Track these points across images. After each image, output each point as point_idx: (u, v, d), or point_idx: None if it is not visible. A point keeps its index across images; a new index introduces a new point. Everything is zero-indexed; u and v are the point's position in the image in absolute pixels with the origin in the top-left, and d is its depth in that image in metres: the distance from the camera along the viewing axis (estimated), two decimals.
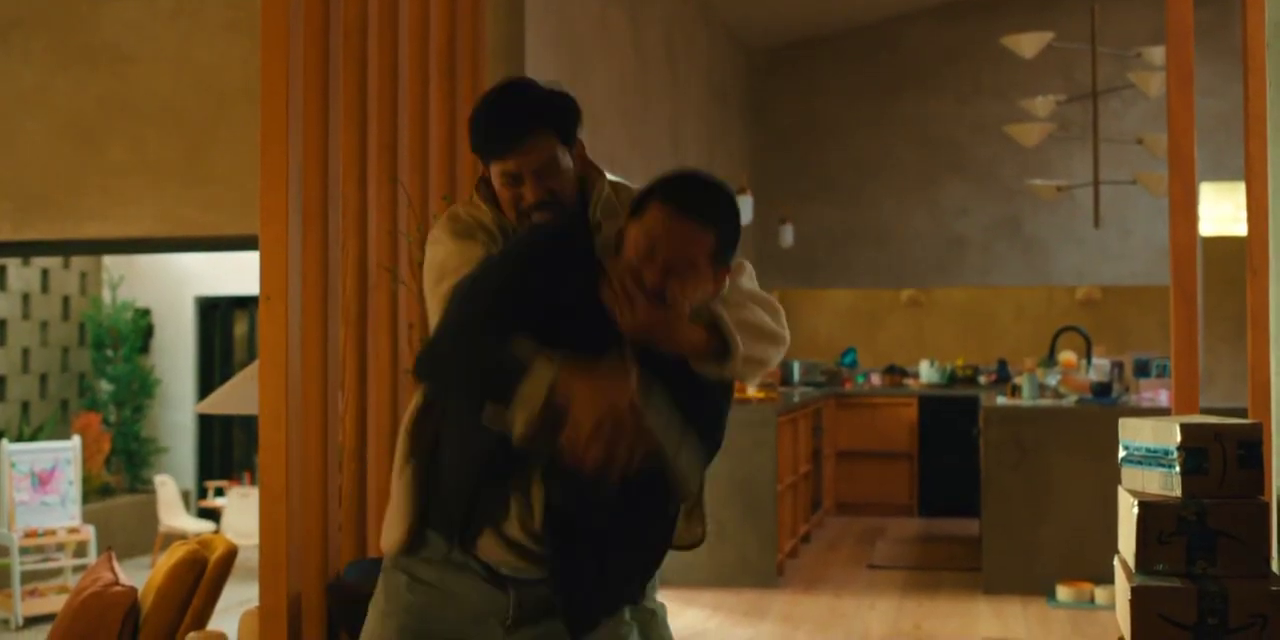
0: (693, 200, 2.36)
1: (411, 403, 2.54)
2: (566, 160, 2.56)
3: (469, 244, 2.54)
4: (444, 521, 2.47)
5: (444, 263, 2.55)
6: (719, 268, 2.39)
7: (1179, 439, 2.98)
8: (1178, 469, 2.98)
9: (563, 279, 2.41)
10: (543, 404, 2.24)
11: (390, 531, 2.52)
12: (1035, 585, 6.78)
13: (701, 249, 2.34)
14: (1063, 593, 6.61)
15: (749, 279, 2.59)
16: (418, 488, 2.50)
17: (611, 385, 2.24)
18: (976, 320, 11.86)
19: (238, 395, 4.43)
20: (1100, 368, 7.65)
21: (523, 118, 2.54)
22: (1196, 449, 2.98)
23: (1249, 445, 3.03)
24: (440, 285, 2.53)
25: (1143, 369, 7.92)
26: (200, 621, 4.09)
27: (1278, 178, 3.36)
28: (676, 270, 2.31)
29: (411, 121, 4.35)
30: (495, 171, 2.56)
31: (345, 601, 3.61)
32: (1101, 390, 7.17)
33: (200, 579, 4.11)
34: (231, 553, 4.29)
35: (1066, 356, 8.46)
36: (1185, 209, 4.60)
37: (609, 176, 2.68)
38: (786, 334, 2.55)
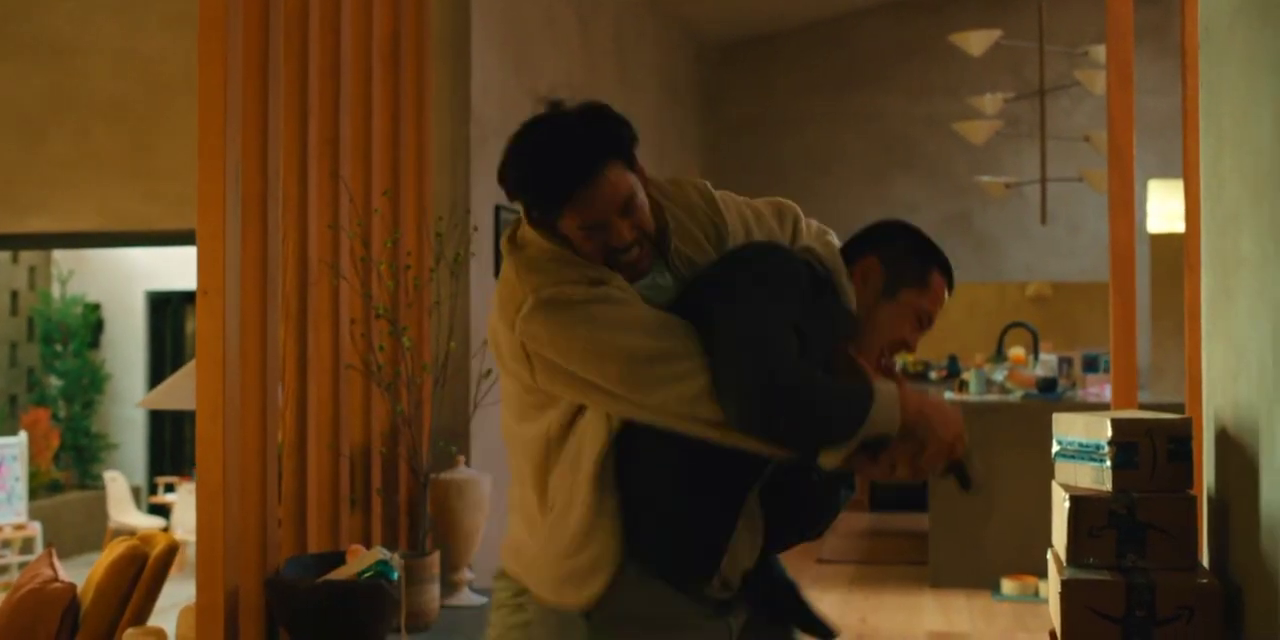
0: (946, 262, 2.57)
1: (596, 443, 2.30)
2: (639, 188, 2.35)
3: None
4: (669, 563, 2.34)
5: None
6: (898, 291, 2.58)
7: (1109, 434, 3.03)
8: (1108, 463, 3.02)
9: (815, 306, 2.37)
10: (899, 426, 2.25)
11: (582, 583, 2.32)
12: (981, 579, 6.84)
13: (872, 278, 2.51)
14: (1007, 586, 6.67)
15: None
16: (621, 529, 2.32)
17: (944, 401, 2.36)
18: None
19: (180, 390, 4.41)
20: (1047, 363, 7.72)
21: (587, 153, 2.29)
22: (1127, 444, 3.02)
23: (1179, 440, 3.09)
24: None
25: (1091, 364, 8.00)
26: (140, 617, 4.07)
27: (1209, 175, 3.39)
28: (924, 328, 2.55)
29: (354, 116, 4.34)
30: (568, 225, 2.31)
31: (284, 597, 3.61)
32: (1047, 386, 7.23)
33: (140, 575, 4.10)
34: (172, 549, 4.28)
35: (1015, 352, 8.52)
36: (1124, 206, 4.65)
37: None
38: None
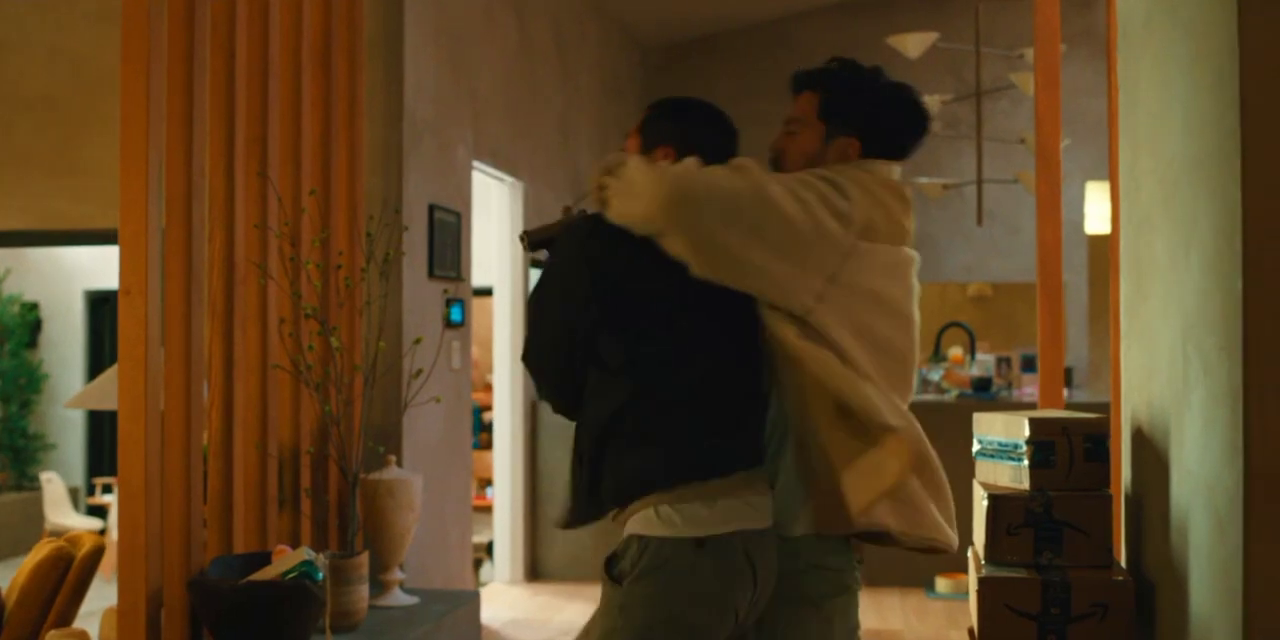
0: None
1: None
2: None
3: None
4: None
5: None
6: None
7: (1027, 433, 3.06)
8: (1026, 462, 3.06)
9: None
10: None
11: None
12: (916, 577, 6.88)
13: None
14: (941, 584, 6.71)
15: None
16: None
17: None
18: None
19: (107, 391, 4.39)
20: (983, 363, 7.78)
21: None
22: (1044, 442, 3.07)
23: (1095, 439, 3.13)
24: None
25: (1029, 364, 8.07)
26: (65, 620, 4.03)
27: (1127, 177, 3.43)
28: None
29: (283, 115, 4.32)
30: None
31: (207, 598, 3.59)
32: (981, 385, 7.29)
33: (65, 577, 4.06)
34: (98, 550, 4.24)
35: (955, 352, 8.58)
36: (1051, 208, 4.70)
37: None
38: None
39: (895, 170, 2.90)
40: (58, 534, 8.80)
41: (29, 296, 11.26)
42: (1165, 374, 2.97)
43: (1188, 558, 2.76)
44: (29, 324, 11.19)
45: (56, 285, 11.38)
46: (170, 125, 3.64)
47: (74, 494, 10.94)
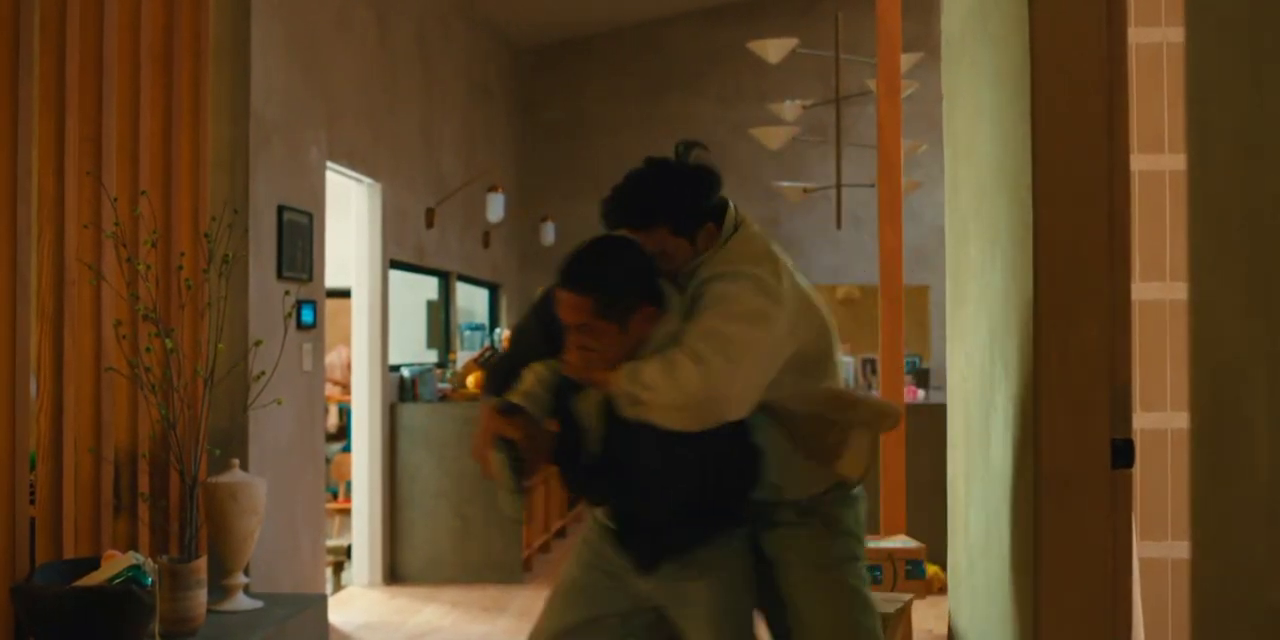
0: (568, 273, 2.71)
1: None
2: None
3: None
4: None
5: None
6: (617, 319, 2.68)
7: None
8: None
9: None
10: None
11: None
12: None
13: (583, 311, 2.68)
14: None
15: (719, 317, 2.69)
16: None
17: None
18: None
19: None
20: (842, 365, 7.88)
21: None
22: (873, 566, 3.60)
23: (914, 563, 3.63)
24: None
25: None
26: None
27: (949, 184, 3.51)
28: (576, 330, 2.69)
29: (119, 114, 4.25)
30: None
31: (31, 604, 3.52)
32: None
33: None
34: None
35: None
36: (891, 213, 4.80)
37: None
38: (708, 373, 2.61)
39: (748, 219, 2.95)
40: None
41: None
42: (977, 375, 3.05)
43: (991, 553, 2.84)
44: None
45: None
46: None
47: None
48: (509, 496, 2.78)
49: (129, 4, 4.30)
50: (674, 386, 2.61)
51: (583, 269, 2.73)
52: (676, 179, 2.92)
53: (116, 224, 4.02)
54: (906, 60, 8.31)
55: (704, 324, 2.66)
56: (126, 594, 3.53)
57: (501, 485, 2.78)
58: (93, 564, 3.75)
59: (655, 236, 2.82)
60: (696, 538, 2.87)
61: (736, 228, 2.87)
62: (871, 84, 8.26)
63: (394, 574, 7.21)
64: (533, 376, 2.84)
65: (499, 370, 2.95)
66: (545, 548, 8.10)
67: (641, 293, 2.72)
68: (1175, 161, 3.71)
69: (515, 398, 2.82)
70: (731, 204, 2.92)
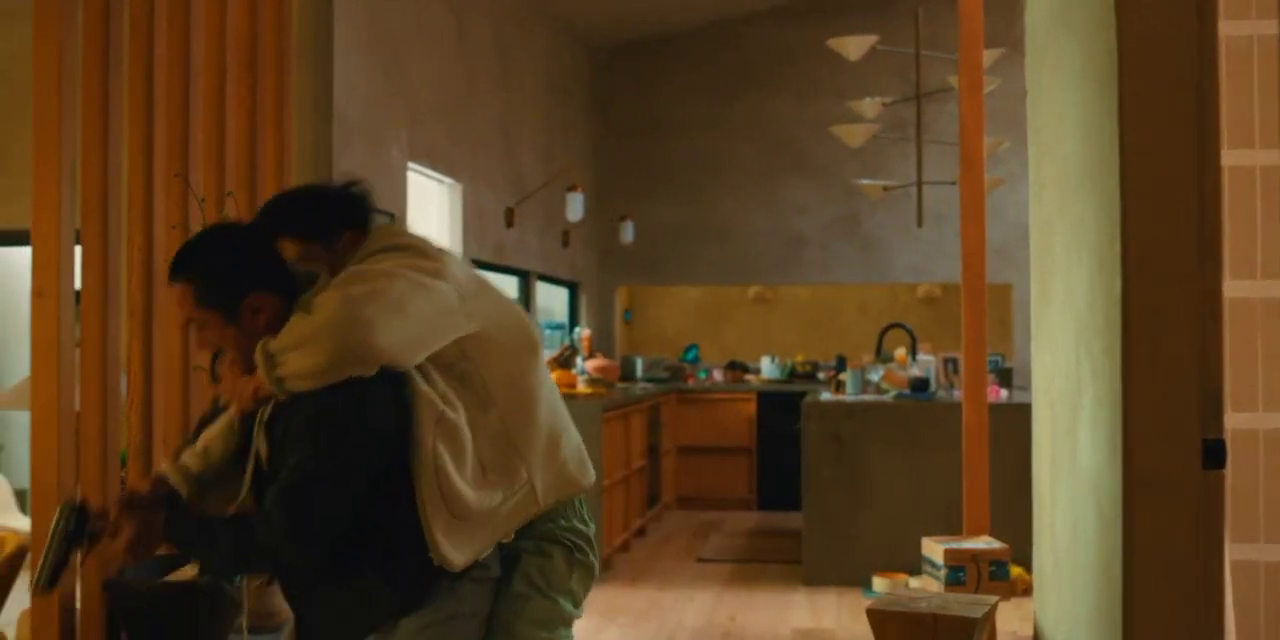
0: (171, 266, 2.66)
1: None
2: None
3: None
4: None
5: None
6: (218, 309, 2.59)
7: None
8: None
9: None
10: None
11: None
12: (854, 577, 6.92)
13: (186, 302, 2.61)
14: (878, 584, 6.76)
15: (352, 280, 2.60)
16: None
17: None
18: (821, 317, 12.04)
19: (27, 393, 4.36)
20: (923, 363, 7.82)
21: None
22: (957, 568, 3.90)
23: (999, 564, 3.94)
24: None
25: None
26: None
27: (1034, 181, 3.48)
28: (192, 327, 2.66)
29: (206, 117, 4.31)
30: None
31: (123, 599, 3.58)
32: (919, 386, 7.33)
33: None
34: (22, 551, 4.22)
35: (900, 352, 8.63)
36: (974, 210, 4.74)
37: None
38: (343, 302, 2.50)
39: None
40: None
41: None
42: (1063, 375, 3.02)
43: (1078, 555, 2.81)
44: None
45: (3, 284, 11.29)
46: (85, 126, 3.63)
47: (21, 496, 10.84)
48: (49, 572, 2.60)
49: (215, 9, 4.35)
50: (302, 323, 2.51)
51: (179, 257, 2.67)
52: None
53: (205, 223, 4.07)
54: (988, 56, 8.23)
55: (333, 292, 2.56)
56: (216, 589, 3.58)
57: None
58: (183, 560, 3.81)
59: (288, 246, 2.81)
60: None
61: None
62: (952, 80, 8.19)
63: None
64: (204, 436, 2.79)
65: (194, 431, 2.89)
66: (625, 546, 8.11)
67: (244, 278, 2.62)
68: (1267, 157, 3.65)
69: (165, 466, 2.76)
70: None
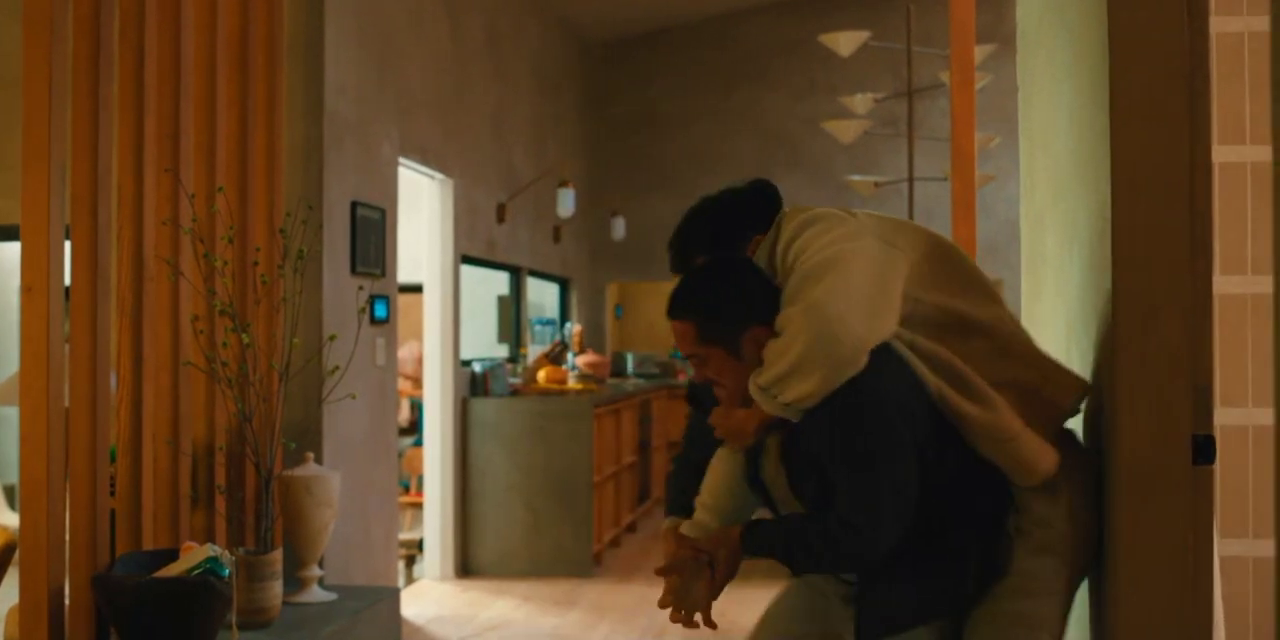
0: (670, 302, 2.63)
1: None
2: None
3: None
4: None
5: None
6: (722, 345, 2.58)
7: None
8: None
9: None
10: None
11: None
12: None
13: (689, 338, 2.60)
14: None
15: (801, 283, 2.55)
16: None
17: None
18: None
19: (14, 388, 4.36)
20: None
21: None
22: None
23: None
24: None
25: None
26: None
27: (1025, 176, 3.48)
28: (694, 363, 2.62)
29: (197, 112, 4.30)
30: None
31: (111, 594, 3.57)
32: None
33: None
34: (10, 546, 4.22)
35: None
36: (965, 205, 4.75)
37: None
38: (807, 318, 2.46)
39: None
40: None
41: None
42: None
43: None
44: None
45: None
46: (75, 121, 3.62)
47: (10, 492, 10.82)
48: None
49: (205, 4, 4.34)
50: (781, 347, 2.47)
51: (679, 294, 2.64)
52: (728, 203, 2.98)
53: (194, 220, 4.06)
54: (979, 52, 8.24)
55: (793, 309, 2.50)
56: (205, 585, 3.57)
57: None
58: (171, 555, 3.80)
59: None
60: (924, 608, 2.57)
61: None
62: (944, 76, 8.20)
63: (465, 567, 7.26)
64: (708, 488, 2.75)
65: (676, 481, 2.88)
66: (616, 542, 8.12)
67: (745, 313, 2.59)
68: (1257, 153, 3.65)
69: (686, 529, 2.71)
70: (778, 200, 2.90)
